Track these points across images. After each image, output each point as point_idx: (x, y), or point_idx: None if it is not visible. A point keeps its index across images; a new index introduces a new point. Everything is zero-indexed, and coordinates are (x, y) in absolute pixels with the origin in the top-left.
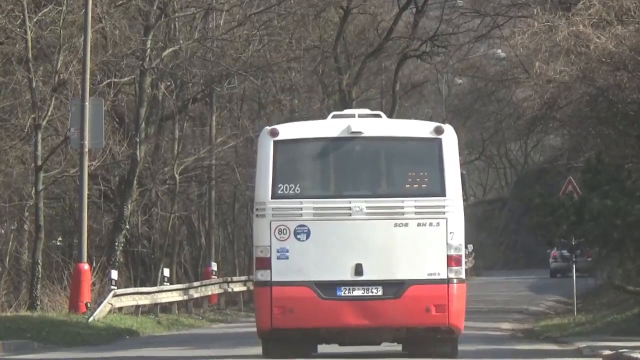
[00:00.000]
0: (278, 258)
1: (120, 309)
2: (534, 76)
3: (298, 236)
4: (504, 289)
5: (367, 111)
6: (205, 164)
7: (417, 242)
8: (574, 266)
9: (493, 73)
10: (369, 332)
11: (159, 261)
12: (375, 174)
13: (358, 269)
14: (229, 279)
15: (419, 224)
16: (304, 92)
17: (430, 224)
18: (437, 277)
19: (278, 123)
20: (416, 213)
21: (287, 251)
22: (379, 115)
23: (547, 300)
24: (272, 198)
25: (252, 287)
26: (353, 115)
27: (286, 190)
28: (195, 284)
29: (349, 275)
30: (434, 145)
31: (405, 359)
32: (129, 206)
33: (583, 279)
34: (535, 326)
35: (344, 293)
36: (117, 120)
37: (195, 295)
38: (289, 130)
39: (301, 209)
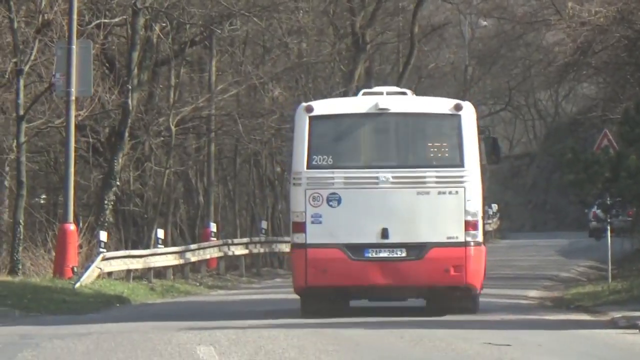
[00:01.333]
0: (312, 222)
1: (109, 273)
2: (567, 18)
3: (330, 203)
4: (531, 253)
5: (395, 89)
6: (204, 114)
7: (438, 209)
8: (608, 228)
9: (521, 14)
10: (394, 289)
11: (152, 221)
12: (401, 146)
13: (384, 233)
14: (230, 241)
15: (439, 192)
16: (313, 35)
17: (450, 192)
18: (455, 240)
19: (284, 68)
20: (437, 182)
21: (321, 216)
22: (404, 93)
23: (579, 265)
24: (307, 168)
25: (254, 250)
26: (381, 93)
27: (320, 161)
28: (192, 246)
29: (375, 239)
30: (454, 120)
31: (427, 316)
32: (120, 160)
33: (620, 241)
34: (566, 294)
35: (372, 254)
36: (107, 65)
37: (192, 259)
38: (322, 107)
39: (333, 178)
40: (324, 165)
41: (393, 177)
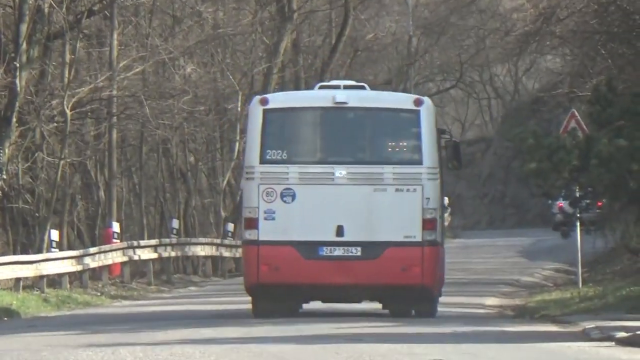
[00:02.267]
0: (265, 219)
1: None
2: None
3: (284, 199)
4: (489, 255)
5: (352, 83)
6: (104, 96)
7: (395, 207)
8: (577, 224)
9: None
10: (348, 289)
11: (45, 221)
12: (358, 142)
13: (339, 231)
14: (135, 243)
15: (397, 190)
16: (231, 3)
17: (408, 190)
18: (412, 239)
19: (197, 41)
20: (394, 179)
21: (274, 212)
22: (363, 87)
23: (544, 268)
24: (260, 163)
25: (164, 254)
26: (339, 86)
27: (274, 156)
28: (92, 250)
29: (330, 236)
30: (413, 116)
31: (384, 318)
32: (6, 150)
33: (591, 239)
34: (529, 302)
35: (326, 253)
36: None
37: (92, 265)
38: (277, 100)
39: (287, 173)
40: (279, 160)
41: (349, 173)
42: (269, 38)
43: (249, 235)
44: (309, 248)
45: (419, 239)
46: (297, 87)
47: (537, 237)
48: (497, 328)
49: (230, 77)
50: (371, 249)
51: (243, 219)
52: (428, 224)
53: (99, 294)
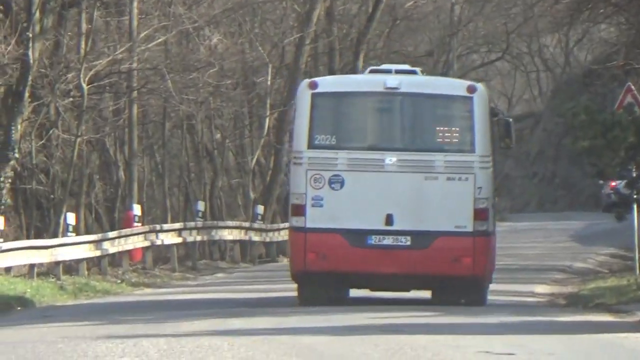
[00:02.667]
0: (313, 205)
1: (7, 269)
2: None
3: (332, 185)
4: (539, 239)
5: (404, 67)
6: (123, 69)
7: (446, 196)
8: (634, 206)
9: None
10: (397, 278)
11: (60, 203)
12: (409, 128)
13: (388, 219)
14: (158, 227)
15: (448, 178)
16: None
17: (459, 179)
18: (464, 229)
19: (224, 10)
20: (446, 168)
21: (322, 199)
22: (414, 72)
23: (599, 254)
24: (308, 148)
25: (189, 239)
26: (390, 71)
27: (323, 141)
28: (111, 234)
29: (379, 225)
30: (466, 103)
31: (433, 306)
32: (19, 127)
33: None
34: (582, 289)
35: (374, 242)
36: (1, 7)
37: (111, 250)
38: (327, 84)
39: (336, 159)
40: (327, 145)
41: (399, 161)
42: (300, 6)
43: (296, 222)
44: (357, 236)
45: (470, 229)
46: (331, 59)
47: (590, 220)
48: (548, 318)
49: (260, 48)
50: (421, 238)
51: (290, 205)
52: (480, 214)
53: (118, 281)
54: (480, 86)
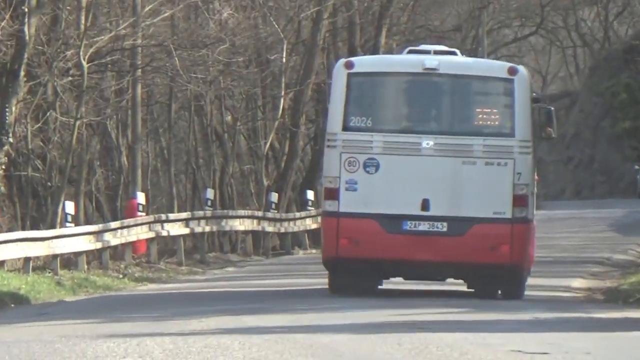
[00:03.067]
0: (347, 189)
1: (1, 263)
2: None
3: (367, 169)
4: (575, 229)
5: (443, 48)
6: (126, 45)
7: (484, 181)
8: None
9: None
10: (432, 266)
11: (58, 191)
12: (447, 111)
13: (425, 204)
14: (164, 217)
15: (486, 163)
16: None
17: (498, 164)
18: (502, 216)
19: None
20: (484, 152)
21: (356, 183)
22: (454, 53)
23: None
24: (343, 130)
25: (197, 229)
26: (429, 52)
27: (358, 123)
28: (113, 224)
29: (415, 210)
30: (506, 85)
31: (463, 300)
32: (14, 109)
33: None
34: (622, 284)
35: (410, 227)
36: None
37: (113, 242)
38: (363, 63)
39: (372, 142)
40: (362, 127)
41: (437, 144)
42: None
43: (329, 206)
44: (392, 222)
45: (508, 215)
46: (351, 35)
47: (631, 208)
48: (584, 314)
49: (274, 23)
50: (458, 224)
51: (323, 189)
52: (519, 200)
53: (121, 276)
54: (521, 68)
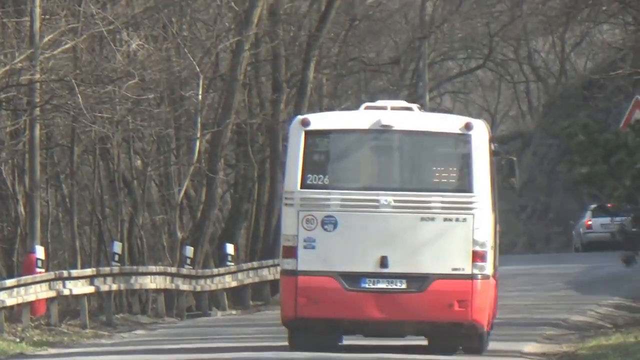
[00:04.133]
0: (305, 247)
1: None
2: None
3: (325, 226)
4: (528, 286)
5: (400, 103)
6: (23, 80)
7: (443, 237)
8: None
9: None
10: (392, 324)
11: None
12: (404, 167)
13: (383, 262)
14: (66, 273)
15: (445, 219)
16: None
17: (457, 220)
18: (461, 272)
19: (145, 8)
20: (443, 208)
21: (314, 241)
22: (410, 109)
23: (600, 304)
24: (300, 188)
25: (102, 287)
26: (385, 107)
27: (315, 181)
28: (8, 282)
29: (374, 267)
30: (463, 141)
31: (429, 355)
32: None
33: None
34: (581, 348)
35: (368, 285)
36: None
37: (9, 302)
38: (320, 121)
39: (329, 199)
40: (320, 185)
41: (395, 201)
42: (238, 3)
43: (287, 264)
44: (351, 279)
45: (468, 271)
46: (275, 68)
47: (591, 264)
48: None
49: (189, 55)
50: (417, 281)
51: (281, 247)
52: (478, 256)
53: (18, 340)
54: (479, 123)
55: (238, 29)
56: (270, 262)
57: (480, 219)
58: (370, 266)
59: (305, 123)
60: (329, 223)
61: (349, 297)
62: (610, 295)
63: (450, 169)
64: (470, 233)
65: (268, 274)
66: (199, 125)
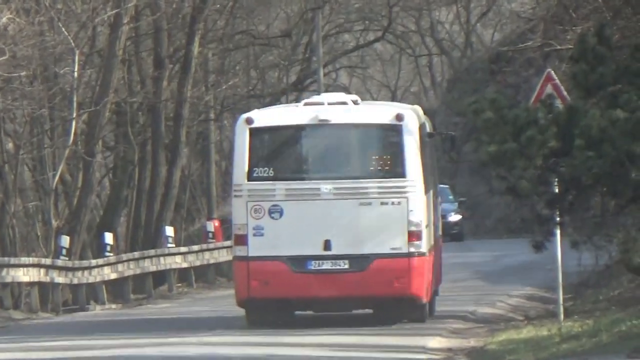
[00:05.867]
0: (254, 235)
1: None
2: None
3: (272, 215)
4: None
5: (338, 97)
6: None
7: (381, 220)
8: (557, 233)
9: None
10: (338, 301)
11: None
12: (342, 157)
13: (327, 245)
14: None
15: (381, 203)
16: None
17: (392, 203)
18: (399, 251)
19: None
20: (379, 193)
21: (263, 229)
22: (345, 103)
23: (511, 295)
24: (248, 180)
25: None
26: (322, 103)
27: (261, 174)
28: None
29: (318, 250)
30: (395, 130)
31: (375, 326)
32: None
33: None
34: (490, 343)
35: (314, 267)
36: None
37: None
38: (262, 118)
39: (274, 190)
40: (265, 177)
41: (335, 189)
42: None
43: (239, 251)
44: (298, 262)
45: (405, 250)
46: (157, 43)
47: (500, 251)
48: None
49: (63, 29)
50: (358, 261)
51: (233, 235)
52: (414, 236)
53: None
54: (409, 113)
55: (116, 0)
56: (152, 252)
57: (414, 201)
58: (315, 249)
59: (249, 121)
60: (275, 212)
61: (296, 279)
62: (521, 285)
63: (385, 157)
64: (405, 215)
65: (150, 265)
66: (74, 104)
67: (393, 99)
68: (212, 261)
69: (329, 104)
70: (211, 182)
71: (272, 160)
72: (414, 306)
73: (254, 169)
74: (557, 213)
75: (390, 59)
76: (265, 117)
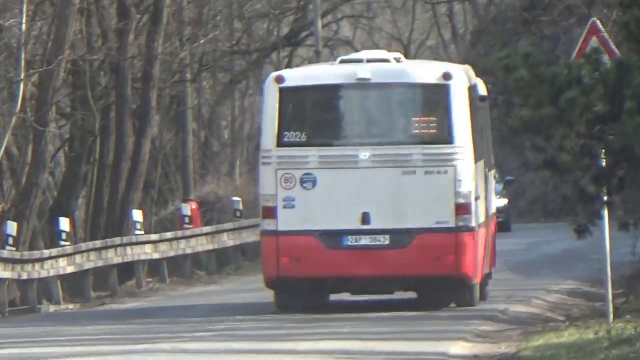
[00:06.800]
0: (284, 207)
1: None
2: None
3: (304, 185)
4: None
5: (378, 53)
6: None
7: (425, 190)
8: (604, 215)
9: None
10: (377, 281)
11: None
12: (382, 121)
13: (365, 218)
14: None
15: (426, 172)
16: None
17: (438, 172)
18: (445, 225)
19: None
20: (424, 161)
21: (294, 200)
22: (387, 60)
23: (549, 290)
24: (277, 146)
25: None
26: (361, 60)
27: (292, 138)
28: None
29: (355, 224)
30: (441, 91)
31: (418, 310)
32: None
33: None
34: (524, 349)
35: (351, 242)
36: None
37: None
38: (295, 77)
39: (307, 157)
40: (297, 142)
41: (374, 155)
42: None
43: (267, 225)
44: (333, 237)
45: (452, 224)
46: None
47: (536, 238)
48: None
49: None
50: (400, 236)
51: (260, 208)
52: (461, 209)
53: None
54: (457, 72)
55: None
56: (116, 240)
57: (463, 170)
58: (352, 223)
59: (279, 80)
60: (308, 181)
61: (331, 256)
62: (561, 279)
63: (430, 120)
64: (452, 185)
65: (114, 256)
66: (22, 63)
67: (406, 55)
68: (188, 251)
69: (367, 60)
70: (187, 156)
71: (304, 123)
72: (463, 287)
73: (285, 133)
74: (605, 190)
75: (402, 7)
76: (298, 75)
